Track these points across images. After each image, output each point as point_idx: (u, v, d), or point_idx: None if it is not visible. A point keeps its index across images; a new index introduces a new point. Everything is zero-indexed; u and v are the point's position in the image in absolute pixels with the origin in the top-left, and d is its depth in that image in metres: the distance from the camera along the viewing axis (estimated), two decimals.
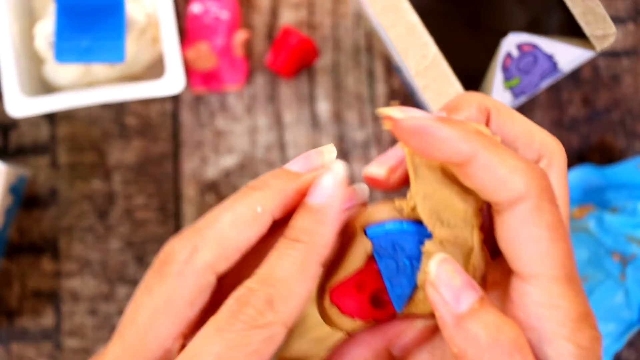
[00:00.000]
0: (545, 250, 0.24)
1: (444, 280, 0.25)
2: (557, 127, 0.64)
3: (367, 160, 0.64)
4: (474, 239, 0.26)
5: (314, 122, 0.64)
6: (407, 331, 0.28)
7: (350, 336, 0.28)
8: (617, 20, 0.64)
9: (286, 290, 0.25)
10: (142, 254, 0.64)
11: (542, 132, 0.28)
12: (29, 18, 0.61)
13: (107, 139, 0.64)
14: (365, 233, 0.27)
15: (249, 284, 0.25)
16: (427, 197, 0.26)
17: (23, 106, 0.57)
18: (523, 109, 0.63)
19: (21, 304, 0.63)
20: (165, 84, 0.57)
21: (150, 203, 0.64)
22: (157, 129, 0.64)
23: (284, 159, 0.64)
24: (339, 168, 0.28)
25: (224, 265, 0.26)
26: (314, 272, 0.26)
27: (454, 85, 0.48)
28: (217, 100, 0.64)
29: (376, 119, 0.64)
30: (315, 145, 0.64)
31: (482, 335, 0.24)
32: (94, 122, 0.64)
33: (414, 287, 0.26)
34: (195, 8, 0.64)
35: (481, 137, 0.25)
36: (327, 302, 0.27)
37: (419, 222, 0.26)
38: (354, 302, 0.27)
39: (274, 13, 0.65)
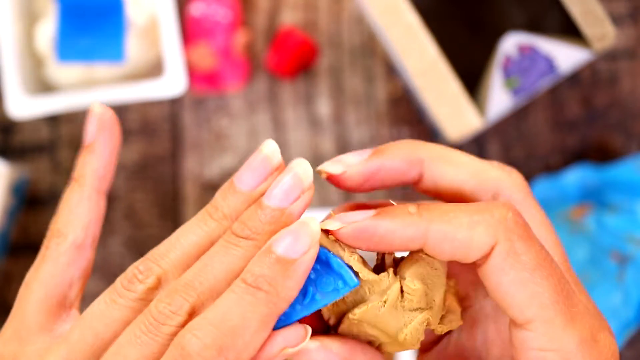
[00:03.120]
0: (532, 292, 0.23)
1: None
2: (556, 127, 0.64)
3: None
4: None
5: (314, 122, 0.64)
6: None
7: None
8: (615, 21, 0.64)
9: (241, 343, 0.23)
10: (143, 254, 0.64)
11: (492, 167, 0.26)
12: (29, 18, 0.62)
13: None
14: None
15: (196, 328, 0.23)
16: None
17: (24, 107, 0.58)
18: (523, 110, 0.64)
19: None
20: (166, 84, 0.57)
21: (151, 203, 0.64)
22: (157, 129, 0.64)
23: (284, 160, 0.64)
24: (316, 225, 0.24)
25: None
26: (272, 326, 0.24)
27: (453, 85, 0.49)
28: (217, 101, 0.65)
29: (376, 119, 0.64)
30: (315, 145, 0.64)
31: None
32: None
33: (302, 318, 0.25)
34: (195, 9, 0.64)
35: (426, 212, 0.24)
36: None
37: (347, 265, 0.25)
38: None
39: (274, 13, 0.65)
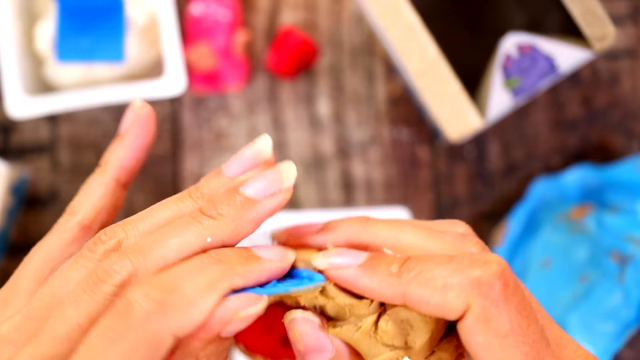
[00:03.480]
0: (499, 357, 0.24)
1: (294, 341, 0.25)
2: (556, 127, 0.64)
3: (366, 160, 0.64)
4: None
5: (314, 122, 0.64)
6: None
7: None
8: (616, 21, 0.64)
9: (184, 301, 0.23)
10: None
11: (441, 241, 0.27)
12: (29, 18, 0.62)
13: (107, 139, 0.64)
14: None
15: (142, 282, 0.23)
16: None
17: (24, 107, 0.58)
18: (523, 110, 0.64)
19: None
20: (166, 84, 0.57)
21: (151, 203, 0.64)
22: (157, 129, 0.64)
23: (284, 159, 0.64)
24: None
25: None
26: (221, 292, 0.24)
27: (453, 85, 0.49)
28: (217, 101, 0.65)
29: (376, 119, 0.64)
30: (315, 145, 0.64)
31: None
32: (95, 122, 0.65)
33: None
34: (195, 9, 0.64)
35: (405, 273, 0.25)
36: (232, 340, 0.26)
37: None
38: (262, 343, 0.27)
39: (274, 13, 0.65)
